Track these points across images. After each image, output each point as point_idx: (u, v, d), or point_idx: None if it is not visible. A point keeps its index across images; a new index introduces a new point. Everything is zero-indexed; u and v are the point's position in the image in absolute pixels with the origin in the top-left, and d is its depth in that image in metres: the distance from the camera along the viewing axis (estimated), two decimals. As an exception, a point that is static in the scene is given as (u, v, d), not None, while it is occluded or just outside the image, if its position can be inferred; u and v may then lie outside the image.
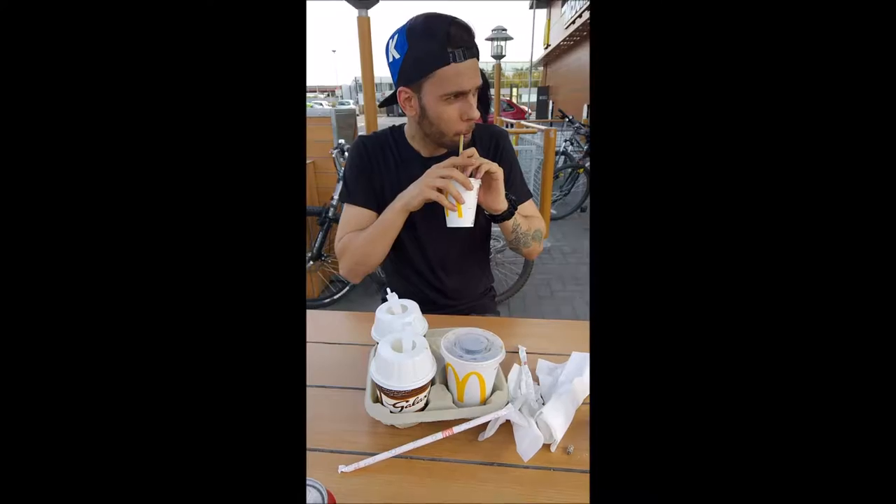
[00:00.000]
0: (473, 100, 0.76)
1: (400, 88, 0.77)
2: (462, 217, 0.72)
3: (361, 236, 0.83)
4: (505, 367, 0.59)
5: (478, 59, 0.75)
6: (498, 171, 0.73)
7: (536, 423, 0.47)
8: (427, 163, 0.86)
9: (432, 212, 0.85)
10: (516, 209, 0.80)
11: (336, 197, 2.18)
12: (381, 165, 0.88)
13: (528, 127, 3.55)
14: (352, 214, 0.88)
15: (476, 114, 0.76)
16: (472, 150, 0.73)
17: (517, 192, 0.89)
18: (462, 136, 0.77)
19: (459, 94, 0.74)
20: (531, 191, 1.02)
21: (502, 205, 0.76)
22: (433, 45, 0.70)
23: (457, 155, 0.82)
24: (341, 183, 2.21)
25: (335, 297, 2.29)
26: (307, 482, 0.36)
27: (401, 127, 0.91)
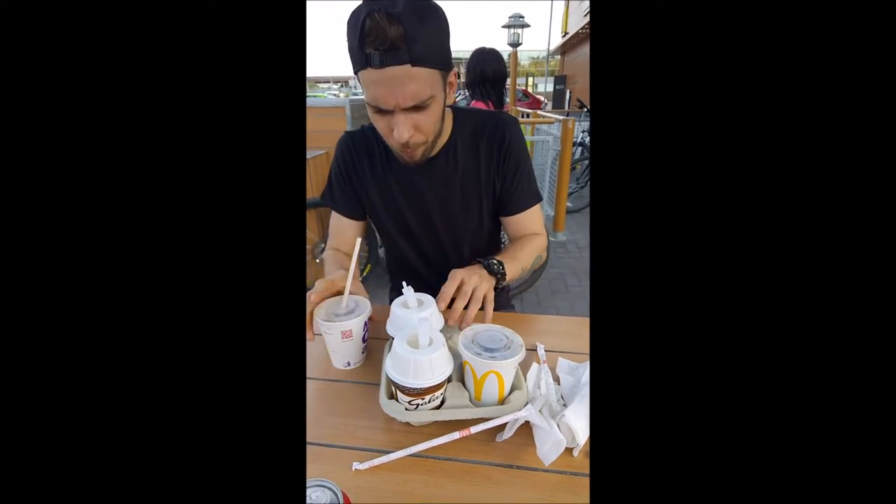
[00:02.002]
0: (405, 118, 0.59)
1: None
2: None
3: (328, 271, 0.77)
4: (524, 366, 0.57)
5: (418, 64, 0.55)
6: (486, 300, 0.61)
7: (558, 425, 0.45)
8: (412, 166, 0.72)
9: (431, 224, 0.80)
10: (505, 277, 0.68)
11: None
12: (365, 167, 0.78)
13: (544, 117, 3.48)
14: (336, 222, 0.83)
15: (402, 136, 0.60)
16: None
17: (523, 195, 0.79)
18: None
19: (383, 111, 0.59)
20: (547, 185, 0.93)
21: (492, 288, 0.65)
22: (353, 38, 0.55)
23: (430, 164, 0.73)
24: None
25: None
26: (322, 483, 0.35)
27: None
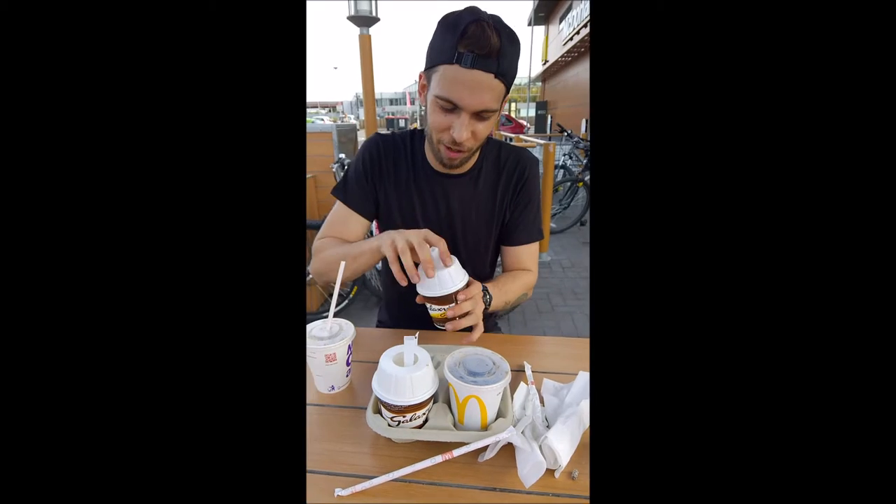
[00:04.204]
0: (469, 122, 0.65)
1: (420, 72, 0.69)
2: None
3: (334, 252, 0.75)
4: (512, 386, 0.58)
5: (499, 77, 0.62)
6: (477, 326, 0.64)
7: (540, 447, 0.45)
8: (436, 178, 0.79)
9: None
10: (487, 308, 0.71)
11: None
12: (390, 173, 0.81)
13: (527, 141, 3.58)
14: (340, 214, 0.82)
15: (461, 136, 0.65)
16: (474, 290, 0.63)
17: (527, 229, 0.83)
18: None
19: (452, 108, 0.64)
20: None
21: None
22: (448, 37, 0.60)
23: (455, 170, 0.76)
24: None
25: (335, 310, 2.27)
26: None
27: (423, 132, 0.80)
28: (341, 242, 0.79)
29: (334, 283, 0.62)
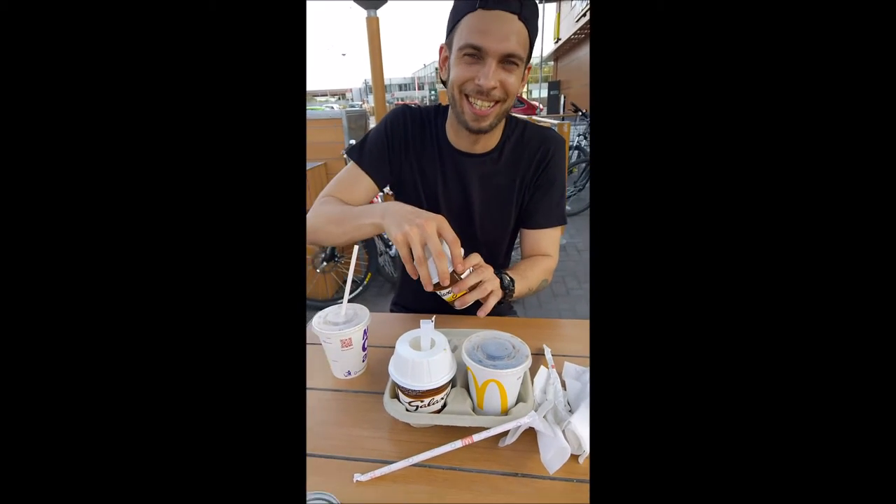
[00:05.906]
0: (496, 68, 0.62)
1: (441, 44, 0.69)
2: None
3: (332, 213, 0.70)
4: (532, 370, 0.57)
5: (523, 20, 0.61)
6: (491, 294, 0.61)
7: (564, 432, 0.44)
8: (457, 157, 0.77)
9: (459, 220, 0.78)
10: (512, 295, 0.69)
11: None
12: (416, 147, 0.79)
13: (540, 122, 3.50)
14: (351, 175, 0.79)
15: (488, 83, 0.63)
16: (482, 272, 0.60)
17: (549, 213, 0.80)
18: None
19: (477, 55, 0.62)
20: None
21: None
22: None
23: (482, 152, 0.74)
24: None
25: (349, 296, 2.28)
26: (322, 496, 0.34)
27: (447, 108, 0.78)
28: (336, 204, 0.75)
29: (320, 244, 0.61)
